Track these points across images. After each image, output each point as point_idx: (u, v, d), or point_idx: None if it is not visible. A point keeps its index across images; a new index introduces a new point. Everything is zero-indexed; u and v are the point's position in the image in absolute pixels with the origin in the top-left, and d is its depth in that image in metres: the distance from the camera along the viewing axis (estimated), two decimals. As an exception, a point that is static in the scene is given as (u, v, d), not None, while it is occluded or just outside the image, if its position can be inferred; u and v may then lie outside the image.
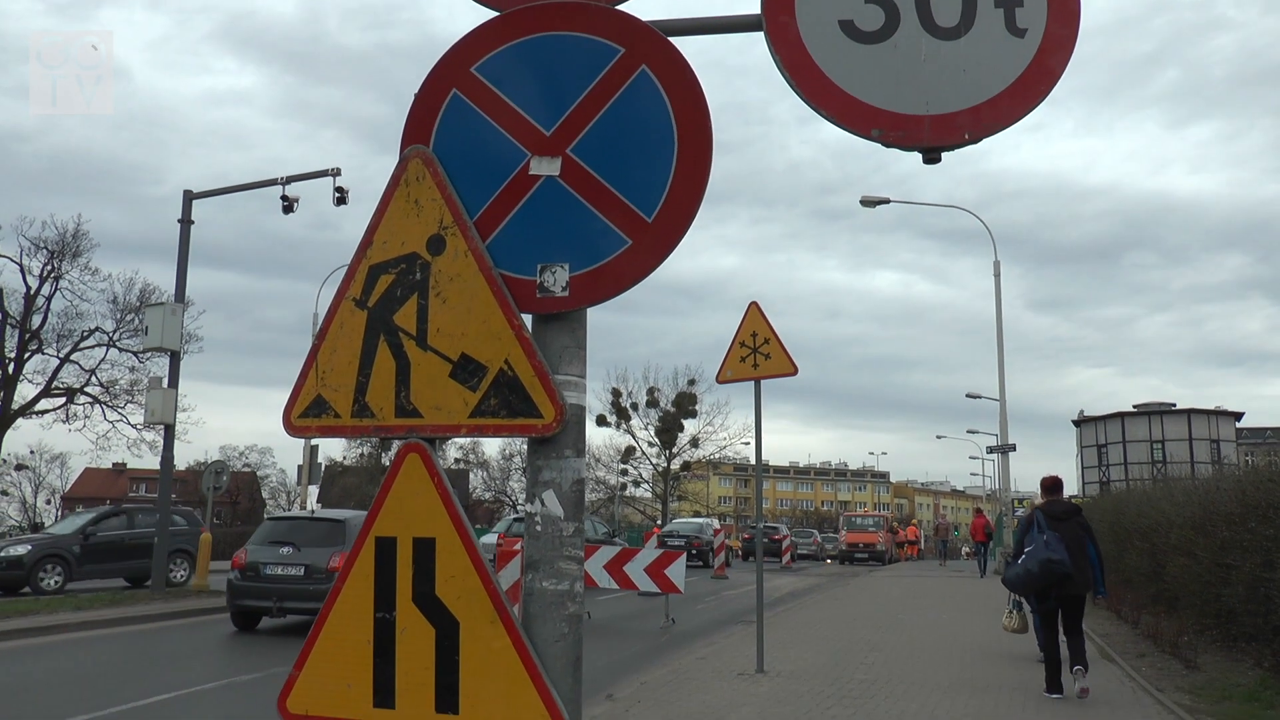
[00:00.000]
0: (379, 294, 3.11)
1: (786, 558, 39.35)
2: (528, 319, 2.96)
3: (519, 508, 51.75)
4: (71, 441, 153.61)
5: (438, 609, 2.92)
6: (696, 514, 74.89)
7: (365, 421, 3.05)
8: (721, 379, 11.12)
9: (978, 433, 61.31)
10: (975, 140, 2.69)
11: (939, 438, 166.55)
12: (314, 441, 33.10)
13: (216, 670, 11.37)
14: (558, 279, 2.92)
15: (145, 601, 17.84)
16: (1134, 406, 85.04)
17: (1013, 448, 35.63)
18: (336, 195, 23.01)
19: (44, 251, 40.41)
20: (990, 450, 46.24)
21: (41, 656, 12.27)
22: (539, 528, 2.90)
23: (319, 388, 3.15)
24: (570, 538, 2.91)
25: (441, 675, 2.89)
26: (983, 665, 11.79)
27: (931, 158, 2.76)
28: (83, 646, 12.98)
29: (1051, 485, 10.33)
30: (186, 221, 21.00)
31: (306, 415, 3.15)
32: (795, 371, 10.78)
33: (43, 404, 42.98)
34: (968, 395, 46.52)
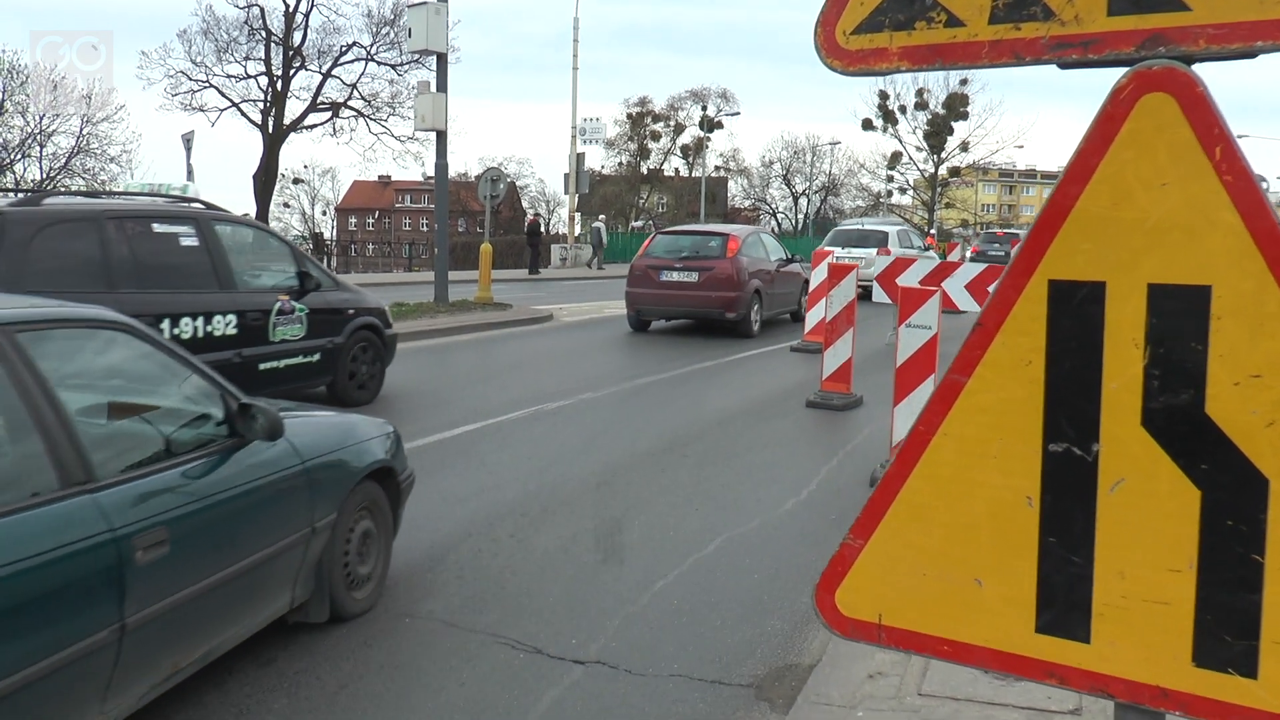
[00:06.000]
0: None
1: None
2: None
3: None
4: (340, 155, 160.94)
5: (1211, 442, 1.35)
6: (965, 223, 71.17)
7: (1028, 29, 1.40)
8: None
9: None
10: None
11: (1241, 137, 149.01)
12: (580, 150, 32.12)
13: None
14: None
15: (430, 315, 17.36)
16: None
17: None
18: None
19: (298, -34, 40.61)
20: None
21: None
22: None
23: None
24: None
25: (1210, 592, 1.35)
26: None
27: None
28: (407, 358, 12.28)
29: None
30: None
31: (869, 28, 1.52)
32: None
33: (311, 118, 44.67)
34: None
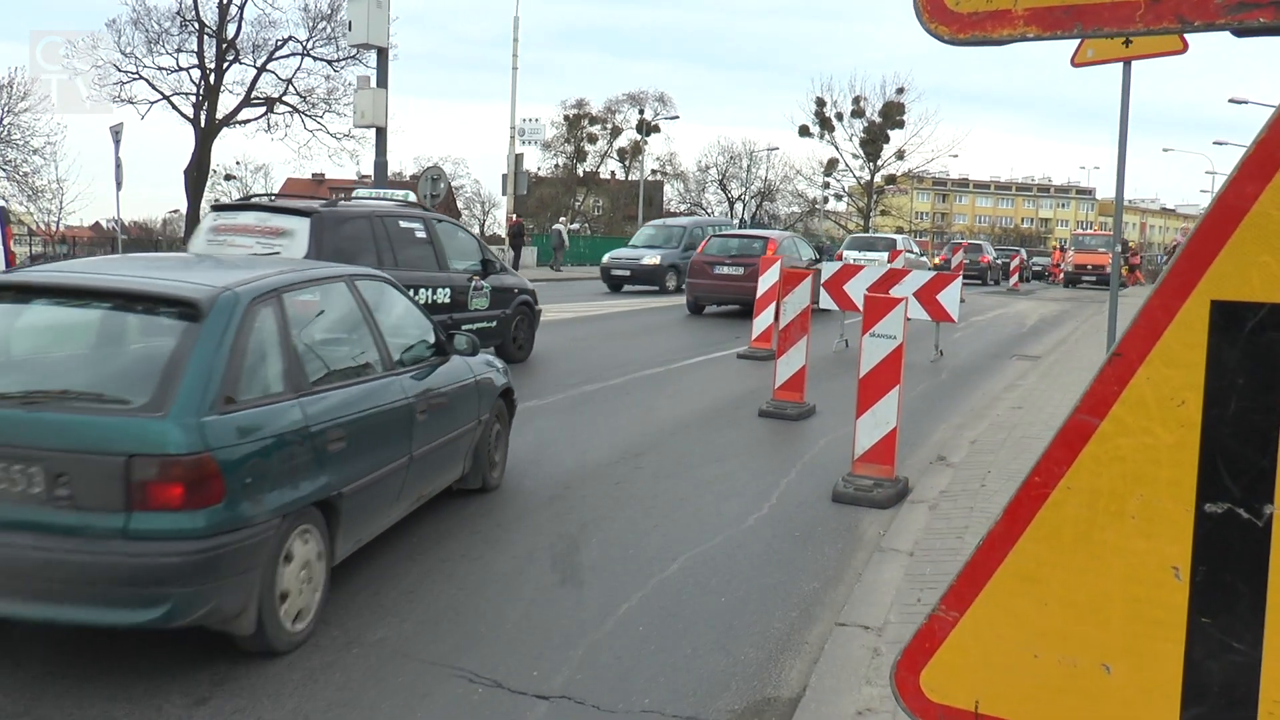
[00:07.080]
0: None
1: (1015, 279, 36.51)
2: None
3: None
4: (274, 152, 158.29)
5: None
6: (899, 230, 71.93)
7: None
8: (1079, 61, 8.64)
9: (1226, 144, 54.82)
10: None
11: (1165, 150, 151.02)
12: (519, 150, 31.72)
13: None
14: None
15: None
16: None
17: None
18: None
19: (233, -44, 39.54)
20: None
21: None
22: None
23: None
24: None
25: None
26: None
27: None
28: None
29: None
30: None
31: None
32: (1184, 48, 8.23)
33: (244, 114, 43.39)
34: (1231, 100, 41.04)
